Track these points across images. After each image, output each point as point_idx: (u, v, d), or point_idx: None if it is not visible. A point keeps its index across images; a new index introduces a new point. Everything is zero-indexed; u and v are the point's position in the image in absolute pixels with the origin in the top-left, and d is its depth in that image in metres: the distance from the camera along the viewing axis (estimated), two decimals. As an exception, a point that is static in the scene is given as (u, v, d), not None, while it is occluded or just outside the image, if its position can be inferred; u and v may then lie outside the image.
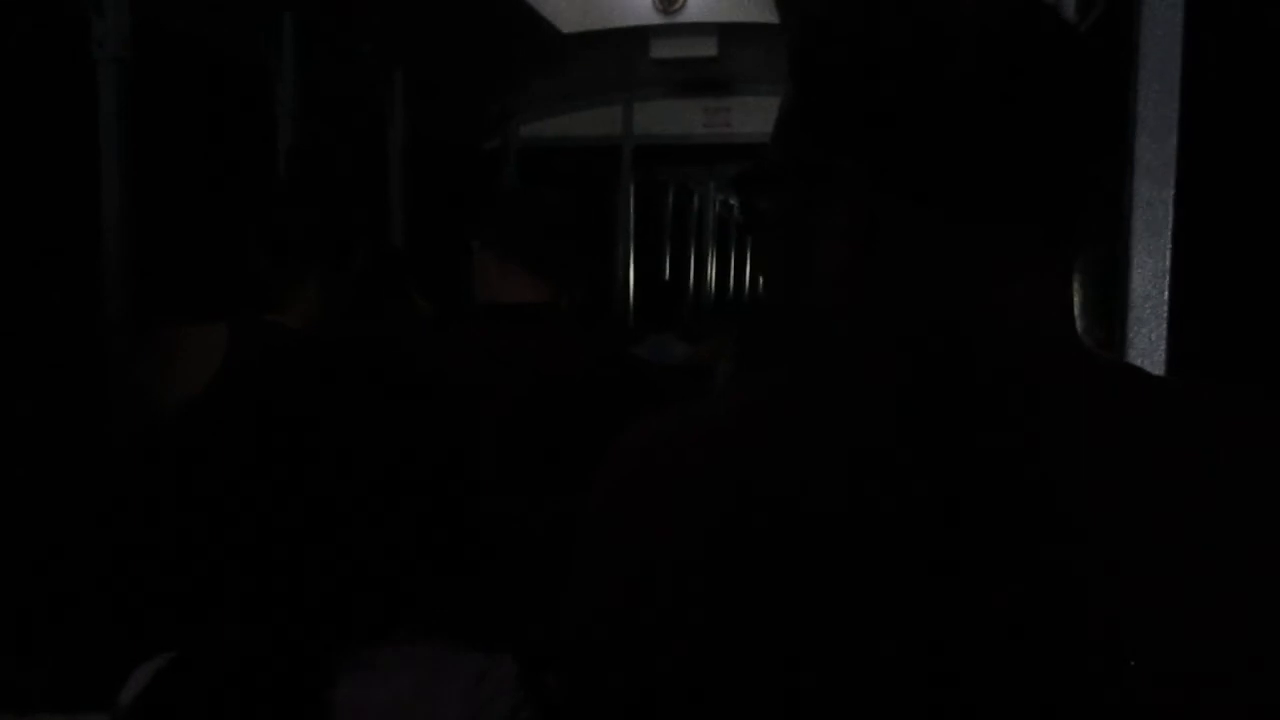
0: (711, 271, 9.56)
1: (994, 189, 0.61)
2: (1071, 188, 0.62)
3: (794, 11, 3.95)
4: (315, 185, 1.93)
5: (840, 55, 0.63)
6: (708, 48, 4.58)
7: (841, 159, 0.63)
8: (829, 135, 0.63)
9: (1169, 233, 1.35)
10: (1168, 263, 1.36)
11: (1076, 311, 0.65)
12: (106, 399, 2.20)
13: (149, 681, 0.92)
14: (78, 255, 2.30)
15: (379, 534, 0.95)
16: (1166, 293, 1.36)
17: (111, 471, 2.12)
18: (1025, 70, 0.60)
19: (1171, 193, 1.34)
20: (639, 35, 4.58)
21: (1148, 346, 1.37)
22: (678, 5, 4.42)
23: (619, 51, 4.78)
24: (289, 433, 0.95)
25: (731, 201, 10.45)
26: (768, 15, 4.18)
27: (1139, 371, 0.65)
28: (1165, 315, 1.37)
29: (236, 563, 0.95)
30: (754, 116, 5.44)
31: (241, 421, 0.97)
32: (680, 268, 8.83)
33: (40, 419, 2.16)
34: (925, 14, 0.62)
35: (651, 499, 0.62)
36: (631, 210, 5.96)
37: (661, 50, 4.63)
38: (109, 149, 2.30)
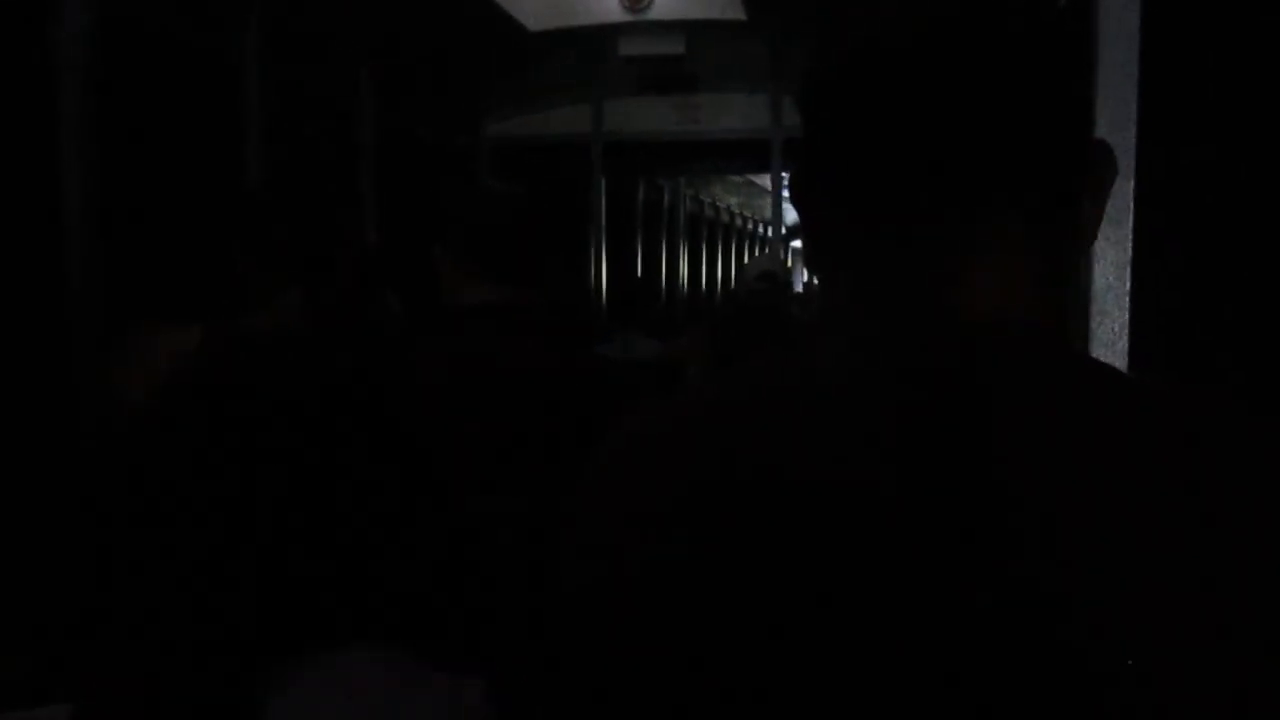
0: (683, 268, 9.57)
1: (982, 186, 0.62)
2: (1027, 177, 0.63)
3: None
4: (301, 193, 1.92)
5: (825, 86, 0.67)
6: (675, 45, 4.59)
7: (832, 170, 0.66)
8: (819, 152, 0.67)
9: (1130, 224, 1.36)
10: (1129, 254, 1.37)
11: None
12: (74, 400, 2.18)
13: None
14: (39, 254, 2.27)
15: (338, 540, 0.94)
16: (1129, 284, 1.38)
17: (79, 472, 2.10)
18: (998, 75, 0.62)
19: (1132, 184, 1.36)
20: (607, 33, 4.59)
21: (1110, 338, 1.38)
22: (644, 3, 4.42)
23: (587, 49, 4.78)
24: (244, 437, 0.94)
25: (701, 198, 10.46)
26: (734, 13, 4.19)
27: (1100, 366, 0.66)
28: (1128, 306, 1.38)
29: (188, 568, 0.94)
30: (723, 113, 5.45)
31: (193, 426, 0.96)
32: (651, 265, 8.83)
33: (7, 421, 2.14)
34: (902, 38, 0.64)
35: (637, 491, 0.63)
36: (603, 208, 5.96)
37: (630, 48, 4.64)
38: (70, 146, 2.27)
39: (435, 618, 1.04)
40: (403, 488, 0.98)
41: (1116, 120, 1.34)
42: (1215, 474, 0.55)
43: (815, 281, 0.78)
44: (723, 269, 11.53)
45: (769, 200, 7.06)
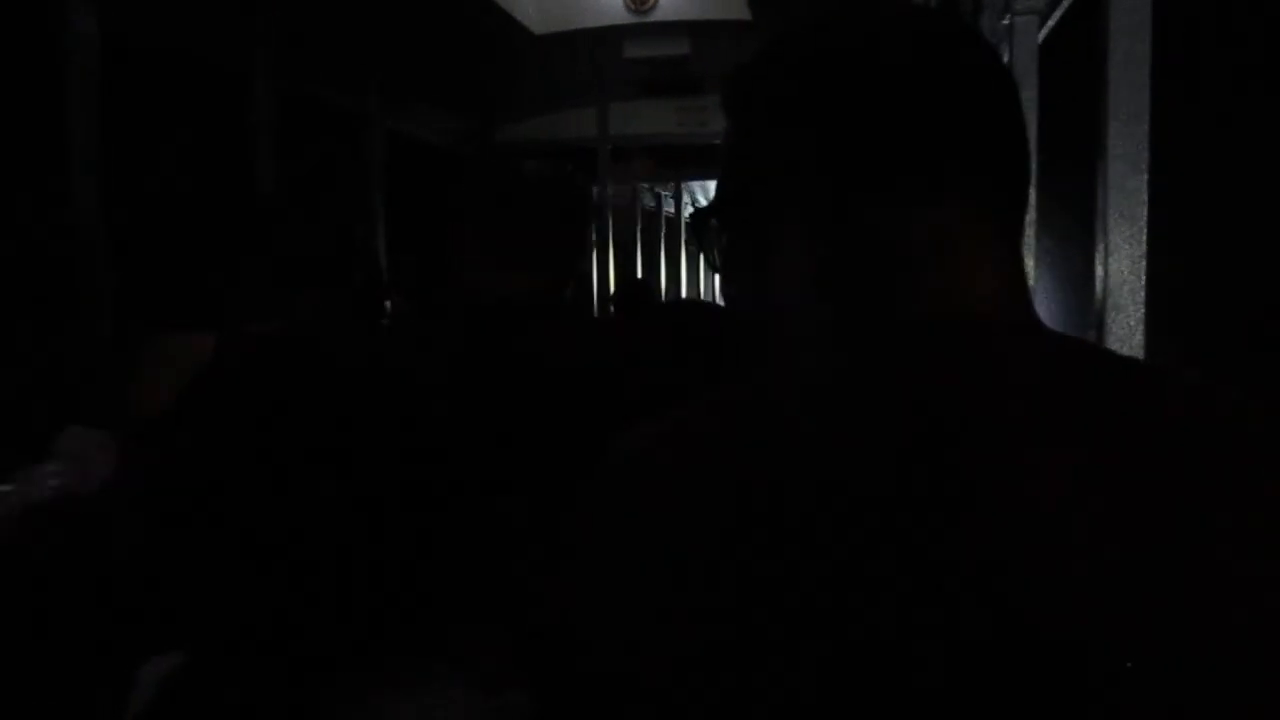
0: (683, 270, 9.58)
1: (948, 175, 0.64)
2: (1016, 173, 0.66)
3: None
4: (312, 201, 1.92)
5: (794, 79, 0.68)
6: (680, 46, 4.59)
7: (804, 161, 0.66)
8: (789, 145, 0.67)
9: (1144, 218, 1.36)
10: (1144, 248, 1.36)
11: (1056, 298, 0.66)
12: (87, 408, 2.18)
13: (153, 700, 0.90)
14: (51, 266, 2.28)
15: (364, 547, 0.93)
16: (1143, 278, 1.37)
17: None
18: (957, 67, 0.65)
19: (1145, 178, 1.35)
20: (611, 35, 4.59)
21: (1125, 333, 1.38)
22: (649, 5, 4.42)
23: (592, 52, 4.78)
24: (268, 442, 0.94)
25: (700, 202, 10.46)
26: (738, 13, 4.19)
27: (1104, 353, 0.67)
28: (1142, 301, 1.37)
29: (217, 575, 0.93)
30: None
31: (215, 430, 0.96)
32: (652, 266, 8.86)
33: (23, 427, 2.14)
34: (861, 28, 0.67)
35: (654, 498, 0.61)
36: (609, 210, 5.97)
37: (634, 50, 4.64)
38: (80, 160, 2.28)
39: (450, 625, 1.03)
40: (431, 489, 0.97)
41: (1129, 114, 1.34)
42: (1215, 463, 0.54)
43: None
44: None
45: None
